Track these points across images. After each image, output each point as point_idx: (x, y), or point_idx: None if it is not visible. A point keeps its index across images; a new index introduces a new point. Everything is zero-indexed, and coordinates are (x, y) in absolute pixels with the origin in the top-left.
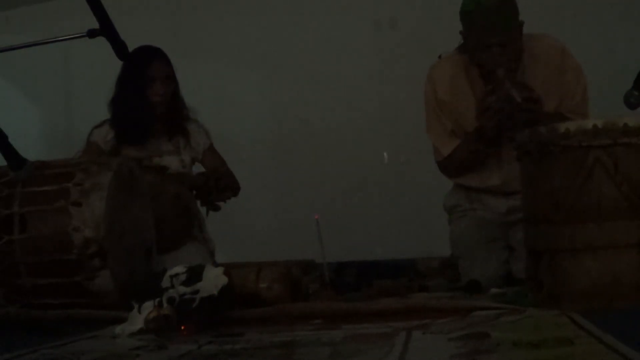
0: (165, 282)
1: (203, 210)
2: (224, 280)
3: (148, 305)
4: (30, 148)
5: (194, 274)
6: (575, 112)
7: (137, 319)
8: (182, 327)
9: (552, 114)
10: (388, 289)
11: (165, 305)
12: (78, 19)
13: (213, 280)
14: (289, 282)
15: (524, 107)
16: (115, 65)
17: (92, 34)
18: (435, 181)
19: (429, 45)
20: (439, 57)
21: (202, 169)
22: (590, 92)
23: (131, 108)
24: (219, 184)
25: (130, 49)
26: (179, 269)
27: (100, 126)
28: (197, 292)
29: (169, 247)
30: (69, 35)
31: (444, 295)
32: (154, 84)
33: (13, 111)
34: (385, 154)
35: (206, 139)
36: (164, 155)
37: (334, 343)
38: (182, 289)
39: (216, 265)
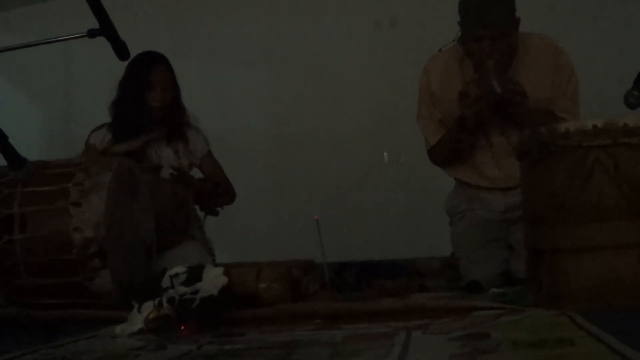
0: (165, 282)
1: (201, 214)
2: (223, 280)
3: (148, 305)
4: (30, 148)
5: (194, 274)
6: (565, 110)
7: (137, 319)
8: (182, 327)
9: (541, 110)
10: (388, 289)
11: (165, 305)
12: (78, 19)
13: (213, 280)
14: (289, 282)
15: (505, 97)
16: (115, 66)
17: (92, 34)
18: (435, 181)
19: (429, 45)
20: (440, 50)
21: (200, 175)
22: (590, 92)
23: (131, 111)
24: (217, 190)
25: (130, 49)
26: (179, 269)
27: (99, 129)
28: (197, 292)
29: (166, 245)
30: (69, 35)
31: (444, 295)
32: (154, 89)
33: (13, 111)
34: (385, 154)
35: (205, 145)
36: (161, 152)
37: (334, 343)
38: (182, 289)
39: (216, 265)
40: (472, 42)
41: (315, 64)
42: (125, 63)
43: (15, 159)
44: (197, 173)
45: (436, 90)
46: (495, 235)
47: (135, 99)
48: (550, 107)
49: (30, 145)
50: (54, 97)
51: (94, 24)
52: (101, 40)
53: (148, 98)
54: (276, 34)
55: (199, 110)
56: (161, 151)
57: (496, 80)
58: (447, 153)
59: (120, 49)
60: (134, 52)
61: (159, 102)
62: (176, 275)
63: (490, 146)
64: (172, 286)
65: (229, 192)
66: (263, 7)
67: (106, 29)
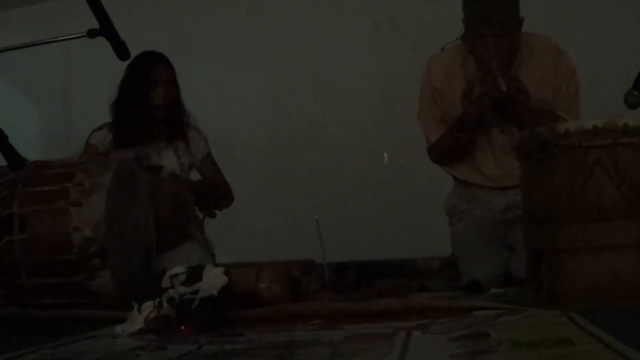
0: (165, 282)
1: (200, 215)
2: (223, 280)
3: (148, 305)
4: (30, 148)
5: (194, 274)
6: (566, 110)
7: (137, 319)
8: (182, 327)
9: (542, 110)
10: (388, 289)
11: (165, 305)
12: (78, 19)
13: (213, 280)
14: (289, 282)
15: (510, 95)
16: (115, 65)
17: (92, 34)
18: (435, 181)
19: (429, 45)
20: (442, 48)
21: (199, 176)
22: (590, 92)
23: (133, 111)
24: (216, 192)
25: (131, 49)
26: (179, 269)
27: (100, 129)
28: (197, 292)
29: (167, 246)
30: (69, 35)
31: (444, 295)
32: (157, 88)
33: (13, 111)
34: (385, 154)
35: (205, 146)
36: (161, 152)
37: (334, 343)
38: (182, 289)
39: (216, 265)
40: (476, 40)
41: (315, 64)
42: (125, 63)
43: (15, 159)
44: (196, 174)
45: (438, 86)
46: (495, 235)
47: (138, 98)
48: (551, 107)
49: (30, 145)
50: (53, 98)
51: (94, 24)
52: (101, 40)
53: (151, 97)
54: (276, 33)
55: (198, 110)
56: (162, 151)
57: (502, 78)
58: (447, 151)
59: (120, 49)
60: (134, 52)
61: (162, 100)
62: (176, 275)
63: (491, 145)
64: (172, 286)
65: (228, 195)
66: (263, 7)
67: (106, 29)
